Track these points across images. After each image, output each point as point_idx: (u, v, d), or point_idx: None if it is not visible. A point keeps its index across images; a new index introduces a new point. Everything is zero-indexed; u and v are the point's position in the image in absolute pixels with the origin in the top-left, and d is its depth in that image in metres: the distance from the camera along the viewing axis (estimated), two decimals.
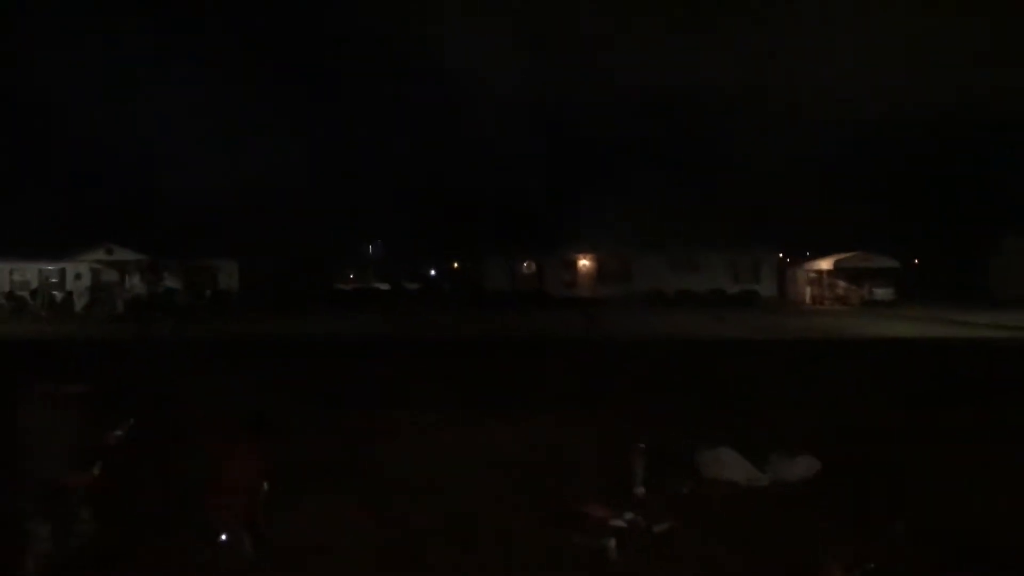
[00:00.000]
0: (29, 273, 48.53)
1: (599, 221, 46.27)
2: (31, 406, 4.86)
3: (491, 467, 8.04)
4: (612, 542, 5.61)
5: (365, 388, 13.72)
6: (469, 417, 10.69)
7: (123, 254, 48.03)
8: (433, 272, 73.37)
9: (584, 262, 50.75)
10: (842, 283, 45.62)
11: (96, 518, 5.08)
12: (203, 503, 5.32)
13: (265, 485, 5.42)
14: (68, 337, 25.83)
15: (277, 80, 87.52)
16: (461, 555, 5.67)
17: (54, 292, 47.01)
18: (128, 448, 5.36)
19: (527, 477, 7.66)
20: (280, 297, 44.72)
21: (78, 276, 48.68)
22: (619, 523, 6.01)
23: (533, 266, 52.50)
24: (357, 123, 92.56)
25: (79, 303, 45.95)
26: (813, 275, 48.27)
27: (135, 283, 48.14)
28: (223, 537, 5.13)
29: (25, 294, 46.24)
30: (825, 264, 46.46)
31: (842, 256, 45.08)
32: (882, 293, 43.29)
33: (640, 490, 6.85)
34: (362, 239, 76.54)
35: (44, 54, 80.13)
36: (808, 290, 48.67)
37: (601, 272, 50.57)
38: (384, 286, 64.28)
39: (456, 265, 68.34)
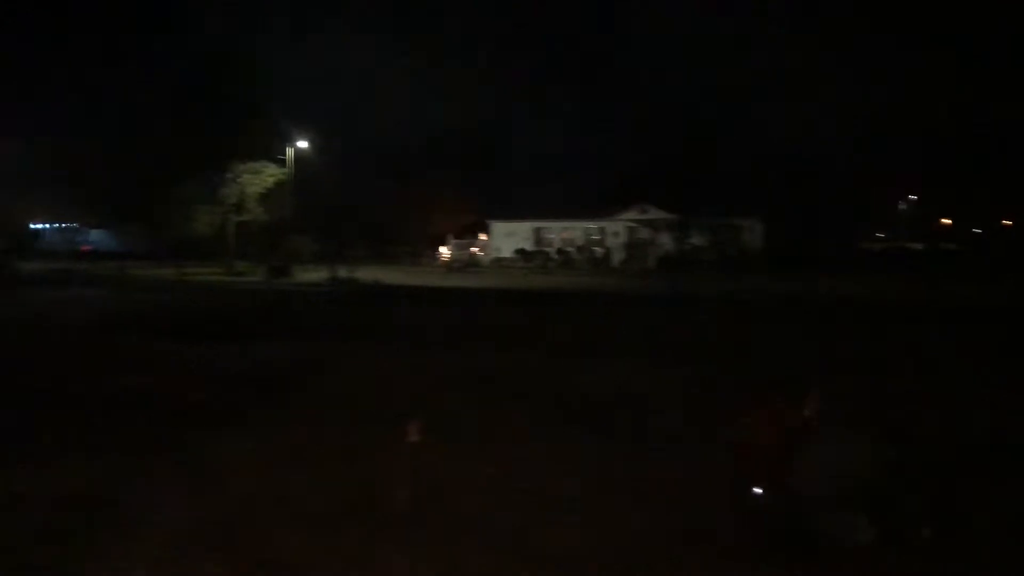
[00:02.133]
0: (576, 231, 54.57)
1: None
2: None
3: None
4: None
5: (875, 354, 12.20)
6: None
7: (656, 213, 51.17)
8: (979, 231, 64.52)
9: None
10: None
11: None
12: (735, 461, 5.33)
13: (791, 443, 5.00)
14: (609, 290, 28.30)
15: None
16: None
17: (595, 248, 52.17)
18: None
19: None
20: (800, 255, 43.34)
21: (615, 234, 53.30)
22: None
23: None
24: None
25: (616, 258, 50.35)
26: None
27: (665, 240, 51.01)
28: (757, 490, 5.07)
29: (572, 250, 52.18)
30: None
31: None
32: None
33: None
34: (894, 195, 70.23)
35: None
36: None
37: None
38: (917, 246, 58.50)
39: (1007, 223, 59.06)
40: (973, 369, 10.53)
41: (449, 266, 46.71)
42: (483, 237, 56.18)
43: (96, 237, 62.85)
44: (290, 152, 43.41)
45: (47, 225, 62.44)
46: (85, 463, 6.07)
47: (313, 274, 34.84)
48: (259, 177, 41.43)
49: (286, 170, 42.81)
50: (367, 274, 32.56)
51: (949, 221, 66.31)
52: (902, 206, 71.14)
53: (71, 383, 9.33)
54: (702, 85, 77.74)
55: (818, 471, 4.74)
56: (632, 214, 52.49)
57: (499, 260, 52.00)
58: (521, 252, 51.68)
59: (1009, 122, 62.58)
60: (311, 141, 45.29)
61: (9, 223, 57.74)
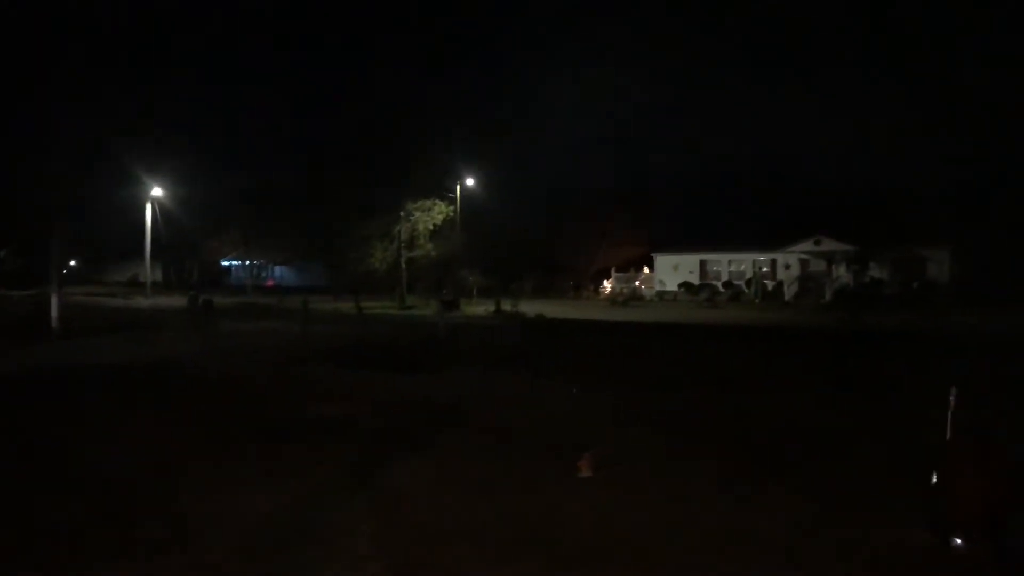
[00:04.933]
0: (744, 264, 53.02)
1: None
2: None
3: None
4: None
5: None
6: None
7: (831, 244, 48.89)
8: None
9: None
10: None
11: None
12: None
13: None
14: (783, 324, 27.23)
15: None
16: None
17: (765, 281, 50.42)
18: None
19: None
20: (993, 287, 39.91)
21: (787, 266, 51.33)
22: None
23: None
24: None
25: (788, 292, 48.43)
26: None
27: (842, 273, 48.60)
28: (957, 540, 4.94)
29: (740, 283, 50.68)
30: None
31: None
32: None
33: None
34: None
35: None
36: None
37: None
38: None
39: None
40: None
41: (612, 299, 46.60)
42: (647, 271, 55.67)
43: (279, 273, 67.51)
44: (458, 189, 45.05)
45: (235, 262, 67.67)
46: (282, 485, 6.50)
47: (479, 308, 35.75)
48: (429, 214, 43.16)
49: (454, 207, 44.41)
50: (530, 308, 33.04)
51: None
52: None
53: (271, 409, 10.02)
54: (886, 106, 73.72)
55: None
56: (806, 245, 50.39)
57: (664, 294, 51.30)
58: (686, 285, 50.76)
59: None
60: (481, 178, 46.84)
61: (202, 259, 63.12)
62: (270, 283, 64.62)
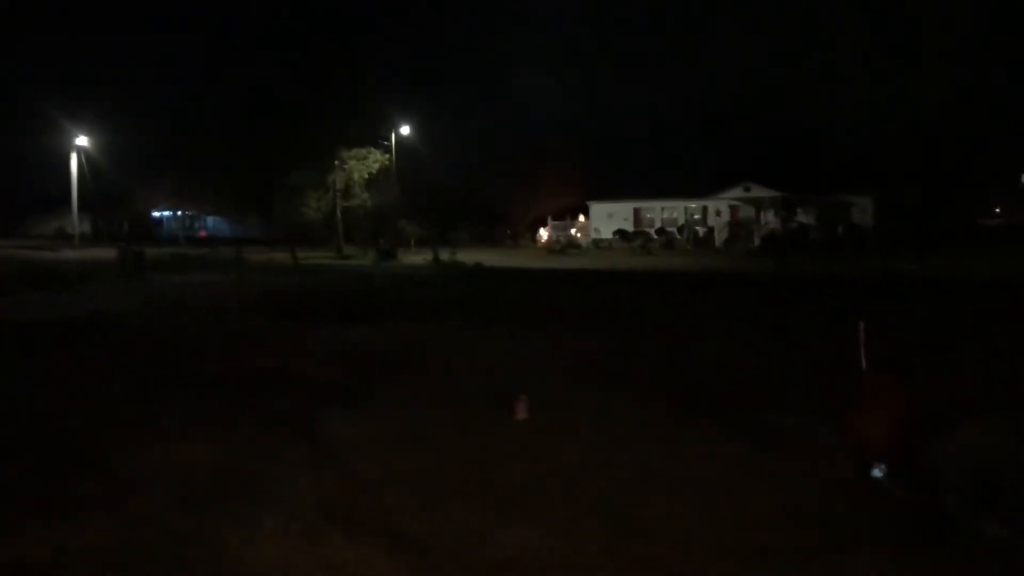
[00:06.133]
0: (676, 211, 53.82)
1: None
2: None
3: None
4: None
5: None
6: None
7: (760, 191, 49.92)
8: None
9: None
10: None
11: None
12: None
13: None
14: (714, 270, 27.87)
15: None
16: None
17: (697, 228, 51.34)
18: None
19: None
20: (913, 233, 41.46)
21: (718, 213, 52.31)
22: None
23: None
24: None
25: (719, 238, 49.43)
26: None
27: (770, 219, 49.75)
28: (876, 472, 5.08)
29: (673, 230, 51.49)
30: None
31: None
32: None
33: None
34: (1011, 168, 65.79)
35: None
36: None
37: None
38: None
39: None
40: None
41: (549, 248, 46.92)
42: (583, 219, 56.07)
43: (212, 224, 65.91)
44: (393, 138, 44.44)
45: (166, 212, 65.76)
46: (219, 437, 6.52)
47: (417, 257, 35.63)
48: (364, 163, 42.56)
49: (390, 156, 43.86)
50: (468, 257, 33.08)
51: None
52: None
53: (207, 363, 9.94)
54: (809, 58, 74.83)
55: (956, 455, 4.63)
56: (735, 192, 51.34)
57: (599, 242, 51.84)
58: (621, 233, 51.35)
59: None
60: (416, 127, 46.23)
61: (132, 211, 61.16)
62: (203, 234, 63.09)
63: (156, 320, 14.37)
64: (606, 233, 52.75)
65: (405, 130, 46.59)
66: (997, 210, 64.39)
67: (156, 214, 66.12)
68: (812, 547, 4.36)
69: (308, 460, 5.97)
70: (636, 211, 54.88)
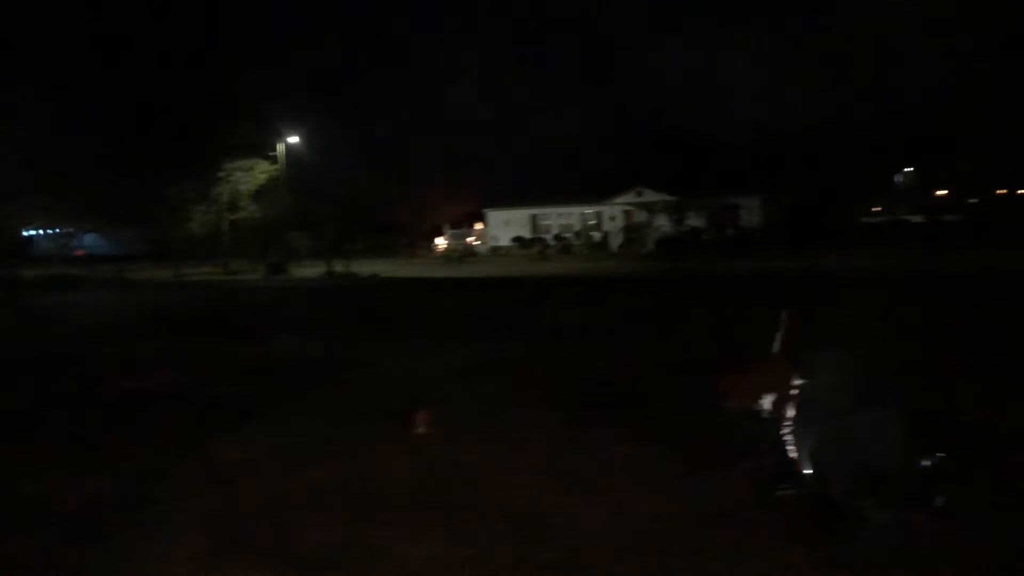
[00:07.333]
0: (572, 217, 54.45)
1: None
2: None
3: None
4: None
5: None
6: None
7: (652, 195, 51.06)
8: (979, 200, 64.07)
9: None
10: None
11: None
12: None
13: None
14: (610, 274, 28.18)
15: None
16: None
17: (593, 233, 52.06)
18: None
19: None
20: (800, 232, 43.13)
21: (612, 218, 53.19)
22: None
23: None
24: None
25: (615, 242, 50.23)
26: None
27: (663, 222, 50.91)
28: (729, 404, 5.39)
29: (570, 236, 52.05)
30: None
31: None
32: None
33: None
34: (889, 168, 69.64)
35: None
36: None
37: None
38: (917, 218, 58.40)
39: (1009, 192, 58.66)
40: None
41: (447, 257, 46.60)
42: (480, 226, 56.02)
43: (90, 241, 62.48)
44: (281, 148, 43.15)
45: (40, 231, 61.96)
46: (102, 463, 6.01)
47: (310, 270, 34.71)
48: (251, 174, 41.20)
49: (278, 166, 42.60)
50: (364, 268, 32.43)
51: (945, 192, 65.93)
52: (898, 179, 70.80)
53: (88, 384, 9.25)
54: (696, 65, 77.42)
55: (840, 445, 4.65)
56: (628, 197, 52.34)
57: (497, 249, 51.87)
58: (518, 240, 51.53)
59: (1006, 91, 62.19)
60: (305, 136, 45.05)
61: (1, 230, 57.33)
62: (79, 253, 59.72)
63: (30, 343, 13.37)
64: (504, 240, 52.84)
65: (294, 139, 45.34)
66: (879, 208, 67.77)
67: (27, 233, 62.20)
68: (708, 544, 4.30)
69: (200, 482, 5.59)
70: (533, 218, 55.21)
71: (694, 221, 49.47)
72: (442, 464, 5.81)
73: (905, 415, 4.98)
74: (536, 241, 50.72)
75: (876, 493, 4.52)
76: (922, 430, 5.08)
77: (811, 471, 4.72)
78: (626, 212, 52.92)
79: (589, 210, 54.20)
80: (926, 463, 4.88)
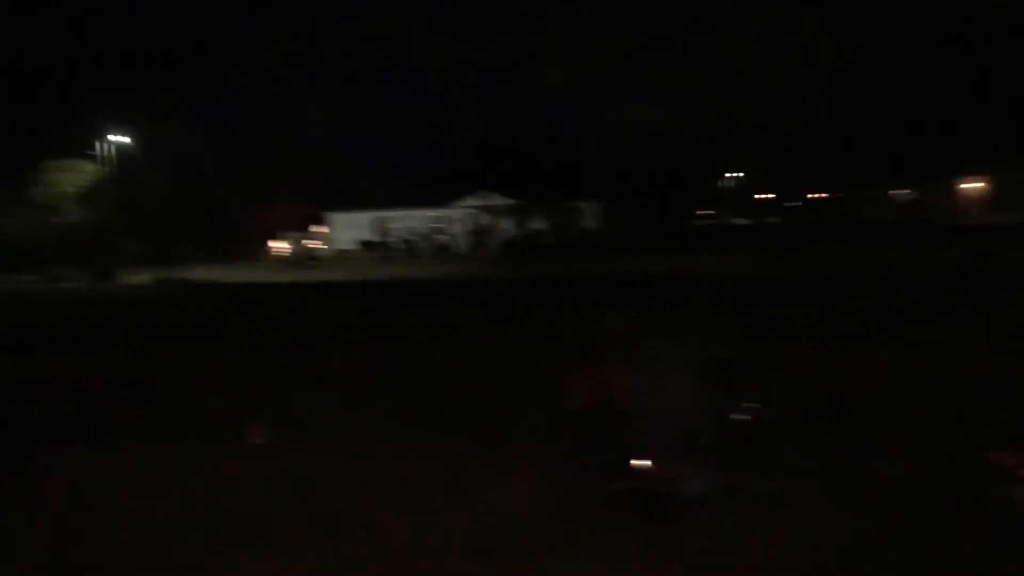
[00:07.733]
0: (417, 220, 54.38)
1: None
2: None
3: None
4: None
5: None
6: None
7: (495, 199, 51.81)
8: (797, 203, 69.06)
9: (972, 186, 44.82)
10: None
11: None
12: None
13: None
14: (456, 276, 28.37)
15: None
16: None
17: (438, 236, 52.23)
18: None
19: None
20: (634, 236, 44.99)
21: (457, 221, 53.55)
22: None
23: (914, 193, 47.49)
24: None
25: (460, 245, 50.59)
26: None
27: (507, 226, 51.75)
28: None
29: (416, 239, 51.98)
30: None
31: None
32: None
33: None
34: (717, 173, 73.95)
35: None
36: None
37: (997, 197, 44.24)
38: (742, 221, 62.31)
39: (824, 196, 63.48)
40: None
41: (288, 260, 45.34)
42: (323, 229, 54.93)
43: None
44: (106, 148, 40.64)
45: None
46: None
47: (140, 276, 32.91)
48: (74, 176, 38.57)
49: (104, 167, 40.11)
50: (199, 274, 31.10)
51: (772, 195, 70.52)
52: (726, 183, 75.29)
53: None
54: (540, 72, 79.05)
55: (661, 421, 4.88)
56: (472, 201, 52.90)
57: (342, 252, 51.03)
58: (365, 243, 50.96)
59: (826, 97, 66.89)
60: (137, 137, 42.62)
61: None
62: None
63: None
64: (347, 244, 52.06)
65: (124, 140, 42.81)
66: (712, 211, 71.61)
67: None
68: (542, 543, 4.47)
69: (34, 504, 5.33)
70: (377, 221, 54.72)
71: (537, 225, 50.61)
72: (281, 474, 5.77)
73: (712, 367, 5.41)
74: (381, 244, 50.29)
75: (694, 462, 4.76)
76: (732, 380, 5.51)
77: (641, 462, 4.94)
78: (471, 215, 53.44)
79: (434, 213, 54.34)
80: (740, 416, 5.29)
